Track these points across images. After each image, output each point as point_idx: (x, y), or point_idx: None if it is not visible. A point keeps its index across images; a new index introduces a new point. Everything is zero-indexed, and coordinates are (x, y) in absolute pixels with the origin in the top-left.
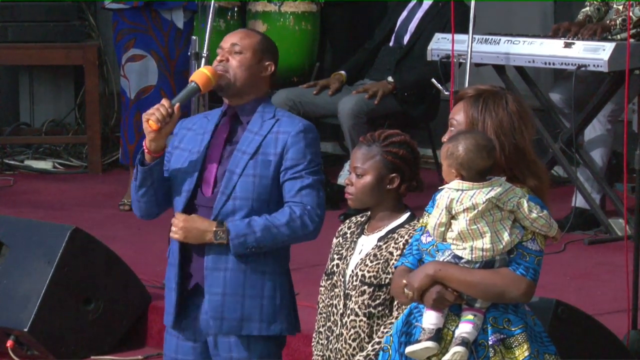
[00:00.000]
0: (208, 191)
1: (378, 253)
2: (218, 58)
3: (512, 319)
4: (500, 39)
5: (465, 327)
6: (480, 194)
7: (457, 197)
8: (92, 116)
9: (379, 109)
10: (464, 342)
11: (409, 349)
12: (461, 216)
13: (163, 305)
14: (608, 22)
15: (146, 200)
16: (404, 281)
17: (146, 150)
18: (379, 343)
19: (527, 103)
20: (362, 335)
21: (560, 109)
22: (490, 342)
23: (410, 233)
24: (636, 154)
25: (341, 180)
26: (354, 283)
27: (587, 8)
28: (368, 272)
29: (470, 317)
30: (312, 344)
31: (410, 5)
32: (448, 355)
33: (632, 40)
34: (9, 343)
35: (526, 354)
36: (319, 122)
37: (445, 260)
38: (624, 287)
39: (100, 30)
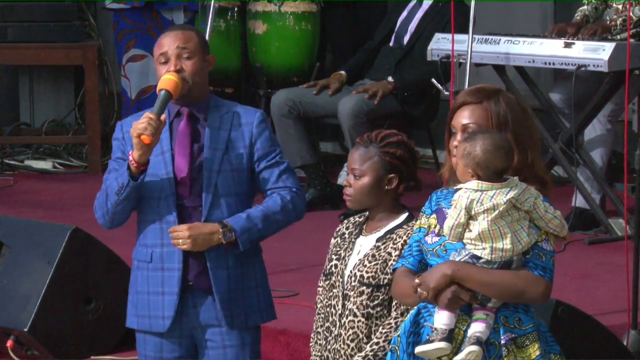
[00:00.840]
0: (185, 191)
1: (376, 253)
2: (171, 68)
3: (522, 318)
4: (500, 39)
5: (478, 327)
6: (500, 195)
7: (477, 198)
8: (92, 116)
9: (379, 109)
10: (478, 342)
11: (420, 348)
12: (481, 217)
13: None
14: (608, 22)
15: (121, 211)
16: (417, 281)
17: (135, 165)
18: (377, 344)
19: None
20: (361, 335)
21: (560, 109)
22: (502, 342)
23: (409, 233)
24: (636, 154)
25: (341, 180)
26: (353, 283)
27: (585, 7)
28: (366, 272)
29: (483, 316)
30: (310, 344)
31: (410, 5)
32: (462, 355)
33: (632, 40)
34: (9, 343)
35: (537, 353)
36: (319, 122)
37: (462, 260)
38: (624, 287)
39: (100, 30)
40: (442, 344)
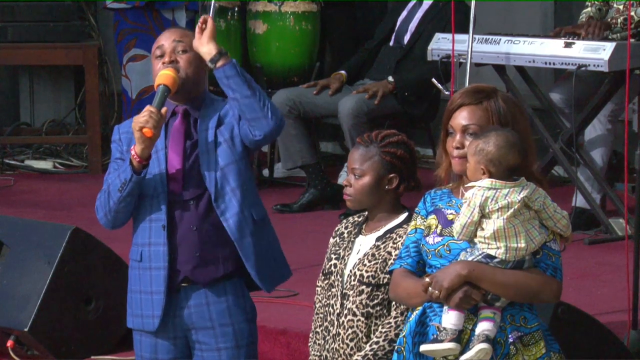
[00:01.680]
0: (177, 187)
1: (376, 253)
2: (166, 59)
3: (528, 317)
4: (500, 39)
5: (486, 325)
6: (514, 193)
7: (492, 196)
8: (92, 116)
9: (379, 109)
10: (487, 339)
11: (427, 347)
12: (495, 215)
13: None
14: (609, 19)
15: (123, 209)
16: (427, 280)
17: (137, 160)
18: (377, 343)
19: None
20: (360, 335)
21: (561, 109)
22: (510, 340)
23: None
24: (636, 154)
25: (341, 180)
26: (352, 283)
27: (589, 9)
28: (366, 272)
29: (490, 315)
30: (309, 344)
31: (410, 5)
32: (472, 353)
33: (632, 40)
34: (9, 343)
35: (543, 351)
36: (319, 122)
37: (474, 259)
38: (624, 287)
39: (101, 30)
40: (452, 345)
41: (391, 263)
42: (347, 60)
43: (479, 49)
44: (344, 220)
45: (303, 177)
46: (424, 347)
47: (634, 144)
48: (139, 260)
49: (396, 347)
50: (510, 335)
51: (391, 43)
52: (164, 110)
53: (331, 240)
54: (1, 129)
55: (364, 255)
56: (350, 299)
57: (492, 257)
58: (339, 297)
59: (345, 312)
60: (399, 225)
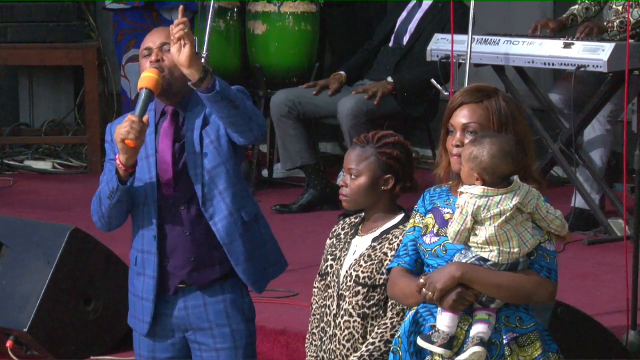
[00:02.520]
0: (169, 190)
1: (372, 254)
2: (152, 58)
3: (523, 317)
4: (499, 40)
5: (480, 327)
6: (507, 200)
7: (484, 204)
8: (91, 116)
9: (379, 110)
10: (481, 342)
11: (421, 343)
12: (487, 222)
13: None
14: (605, 23)
15: (116, 214)
16: (422, 281)
17: (123, 168)
18: (373, 344)
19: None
20: (356, 335)
21: (560, 109)
22: (505, 341)
23: (405, 233)
24: (635, 155)
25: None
26: (348, 283)
27: (576, 6)
28: (362, 272)
29: (485, 316)
30: (306, 345)
31: (410, 5)
32: (466, 355)
33: (631, 40)
34: (9, 343)
35: (539, 351)
36: (318, 123)
37: (468, 261)
38: (624, 287)
39: (100, 30)
40: (441, 350)
41: (387, 264)
42: (346, 60)
43: (478, 50)
44: (341, 222)
45: (302, 177)
46: (420, 341)
47: (633, 145)
48: (134, 264)
49: (392, 348)
50: (505, 336)
51: (390, 44)
52: (145, 117)
53: (328, 241)
54: (0, 129)
55: (360, 256)
56: (347, 299)
57: (485, 260)
58: (335, 298)
59: (342, 312)
60: (395, 226)
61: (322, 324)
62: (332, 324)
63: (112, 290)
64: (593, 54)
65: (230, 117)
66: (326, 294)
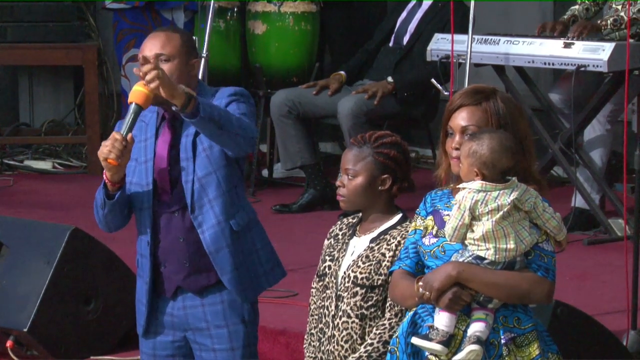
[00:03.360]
0: (166, 197)
1: (370, 254)
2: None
3: (522, 318)
4: (499, 39)
5: (478, 326)
6: (504, 196)
7: (482, 199)
8: (91, 116)
9: (379, 110)
10: (478, 341)
11: (416, 341)
12: (485, 217)
13: None
14: (599, 21)
15: (112, 220)
16: (420, 282)
17: (110, 183)
18: (371, 345)
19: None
20: (355, 336)
21: (560, 109)
22: (502, 341)
23: (403, 234)
24: (636, 155)
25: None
26: (346, 284)
27: (576, 7)
28: (360, 273)
29: (483, 316)
30: (304, 345)
31: (410, 5)
32: (463, 354)
33: (631, 40)
34: (9, 343)
35: (537, 352)
36: (318, 123)
37: (465, 261)
38: (624, 287)
39: (100, 30)
40: (439, 347)
41: (385, 264)
42: (346, 60)
43: (478, 50)
44: (339, 222)
45: (302, 177)
46: (414, 339)
47: (633, 145)
48: (137, 266)
49: (390, 348)
50: (503, 337)
51: (391, 44)
52: (129, 136)
53: (325, 241)
54: (0, 129)
55: (358, 256)
56: (345, 300)
57: (482, 259)
58: (334, 299)
59: (340, 313)
60: (393, 227)
61: (320, 325)
62: (331, 324)
63: (112, 290)
64: (593, 54)
65: (214, 136)
66: (324, 294)
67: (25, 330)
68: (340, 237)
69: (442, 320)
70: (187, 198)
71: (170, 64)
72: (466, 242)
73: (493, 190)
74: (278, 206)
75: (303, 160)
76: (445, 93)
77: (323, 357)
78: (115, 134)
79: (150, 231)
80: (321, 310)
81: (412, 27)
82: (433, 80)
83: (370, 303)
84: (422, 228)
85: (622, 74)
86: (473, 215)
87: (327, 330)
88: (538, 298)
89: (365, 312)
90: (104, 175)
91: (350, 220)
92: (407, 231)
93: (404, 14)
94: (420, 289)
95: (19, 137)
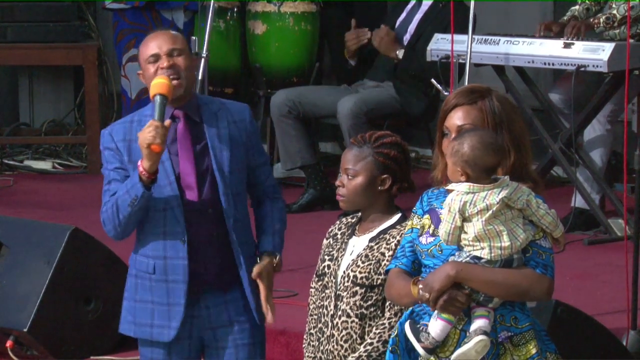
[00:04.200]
0: (193, 195)
1: (370, 254)
2: (164, 65)
3: (519, 317)
4: (499, 40)
5: (481, 322)
6: (493, 195)
7: (470, 200)
8: (91, 116)
9: (378, 110)
10: (485, 333)
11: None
12: (475, 218)
13: None
14: (592, 20)
15: (134, 222)
16: (420, 285)
17: (146, 175)
18: (371, 344)
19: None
20: (354, 336)
21: (560, 109)
22: (499, 340)
23: (402, 234)
24: (636, 155)
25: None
26: (346, 284)
27: (576, 7)
28: (360, 272)
29: (485, 312)
30: (303, 345)
31: (409, 6)
32: (470, 344)
33: (631, 40)
34: (9, 343)
35: (534, 351)
36: (318, 123)
37: (463, 261)
38: (624, 288)
39: (100, 30)
40: (421, 351)
41: (385, 264)
42: (346, 61)
43: (478, 50)
44: (338, 222)
45: (302, 177)
46: (407, 327)
47: (633, 145)
48: (151, 272)
49: (390, 347)
50: (500, 335)
51: None
52: (167, 122)
53: (324, 241)
54: (1, 129)
55: (358, 256)
56: (344, 300)
57: (479, 258)
58: (333, 299)
59: (339, 313)
60: (393, 226)
61: (319, 325)
62: (330, 324)
63: (112, 290)
64: (593, 54)
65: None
66: (324, 294)
67: (25, 330)
68: (339, 236)
69: (436, 327)
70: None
71: (182, 57)
72: (461, 243)
73: (481, 191)
74: None
75: (303, 160)
76: (446, 93)
77: (322, 356)
78: (154, 121)
79: (185, 230)
80: (320, 310)
81: (412, 27)
82: (433, 80)
83: (369, 302)
84: (418, 227)
85: (622, 74)
86: (464, 217)
87: (326, 329)
88: (537, 295)
89: (365, 311)
90: (140, 167)
91: (350, 219)
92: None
93: (403, 15)
94: (421, 291)
95: (19, 137)
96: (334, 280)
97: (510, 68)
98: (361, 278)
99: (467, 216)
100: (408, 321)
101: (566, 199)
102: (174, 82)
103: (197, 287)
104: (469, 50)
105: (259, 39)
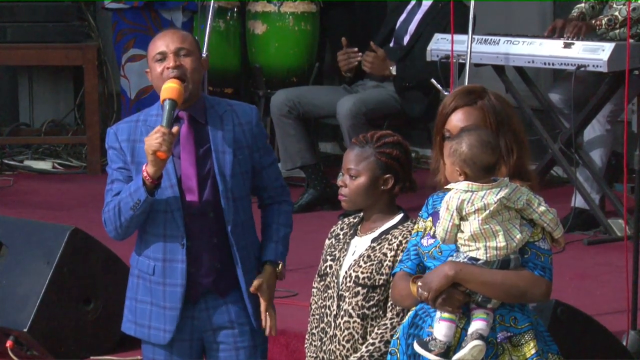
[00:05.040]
0: (194, 198)
1: (372, 254)
2: (171, 64)
3: (518, 317)
4: (499, 40)
5: (479, 324)
6: (491, 195)
7: (468, 199)
8: (91, 116)
9: (378, 110)
10: (481, 337)
11: (418, 348)
12: (472, 217)
13: None
14: (593, 21)
15: (135, 224)
16: (419, 283)
17: (150, 180)
18: (373, 344)
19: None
20: (356, 336)
21: (560, 109)
22: (498, 340)
23: (404, 234)
24: (635, 155)
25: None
26: (348, 284)
27: (582, 5)
28: (362, 273)
29: (484, 315)
30: (305, 345)
31: (410, 6)
32: (466, 350)
33: (631, 40)
34: (9, 343)
35: (533, 351)
36: (318, 123)
37: (461, 261)
38: (624, 288)
39: (100, 30)
40: (437, 359)
41: (387, 264)
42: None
43: (479, 50)
44: (340, 222)
45: (302, 177)
46: (416, 345)
47: (633, 145)
48: (150, 273)
49: (390, 349)
50: (498, 335)
51: (391, 44)
52: (175, 129)
53: (326, 241)
54: (0, 129)
55: (360, 256)
56: (346, 300)
57: (476, 259)
58: (335, 299)
59: (342, 313)
60: (395, 226)
61: (322, 325)
62: (332, 324)
63: (111, 290)
64: (593, 54)
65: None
66: (326, 294)
67: (25, 330)
68: (341, 236)
69: (441, 329)
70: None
71: (190, 58)
72: (458, 243)
73: (479, 190)
74: None
75: (303, 161)
76: (446, 93)
77: (324, 356)
78: (161, 127)
79: (185, 233)
80: (322, 310)
81: (412, 27)
82: (433, 81)
83: (371, 303)
84: (422, 230)
85: (622, 74)
86: (461, 215)
87: (328, 329)
88: (535, 297)
89: (367, 311)
90: (144, 172)
91: (352, 220)
92: (409, 231)
93: (403, 15)
94: (420, 289)
95: (19, 137)
96: (336, 281)
97: (510, 68)
98: (363, 278)
99: (464, 214)
100: (415, 341)
101: (566, 199)
102: (178, 78)
103: (196, 290)
104: (469, 51)
105: (259, 39)
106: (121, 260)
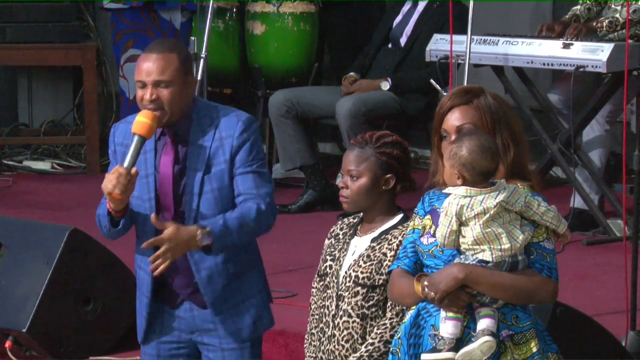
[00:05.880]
0: (169, 215)
1: (371, 254)
2: (147, 97)
3: (520, 316)
4: (498, 40)
5: (488, 322)
6: (490, 199)
7: (467, 204)
8: (90, 117)
9: (377, 110)
10: (492, 334)
11: (427, 356)
12: (472, 222)
13: None
14: (594, 23)
15: (117, 235)
16: (425, 282)
17: (113, 213)
18: (372, 344)
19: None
20: (355, 336)
21: (559, 110)
22: (500, 338)
23: (404, 234)
24: (635, 155)
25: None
26: (348, 284)
27: (578, 7)
28: (362, 273)
29: (491, 312)
30: (305, 345)
31: (406, 8)
32: (475, 345)
33: (630, 41)
34: (8, 344)
35: (534, 350)
36: (317, 123)
37: (471, 263)
38: (623, 288)
39: (99, 30)
40: (450, 354)
41: (386, 264)
42: (345, 61)
43: (477, 50)
44: (339, 222)
45: (302, 178)
46: (424, 356)
47: (632, 145)
48: (136, 277)
49: (391, 349)
50: (501, 333)
51: (389, 45)
52: (133, 170)
53: (326, 241)
54: None
55: (359, 256)
56: (346, 300)
57: (485, 262)
58: (335, 299)
59: (341, 313)
60: (394, 227)
61: (321, 325)
62: (331, 324)
63: (111, 290)
64: (592, 54)
65: (236, 247)
66: (325, 294)
67: (24, 330)
68: (341, 236)
69: (447, 328)
70: (192, 212)
71: (169, 89)
72: (461, 248)
73: (478, 195)
74: (277, 207)
75: (302, 161)
76: (444, 93)
77: (324, 356)
78: (119, 167)
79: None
80: (322, 310)
81: (408, 29)
82: (432, 81)
83: (371, 303)
84: (420, 227)
85: (621, 74)
86: (460, 221)
87: (327, 329)
88: (544, 298)
89: (367, 311)
90: (107, 205)
91: (351, 220)
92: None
93: (399, 17)
94: (426, 289)
95: (18, 137)
96: (335, 281)
97: (509, 68)
98: (363, 278)
99: (464, 220)
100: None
101: (565, 200)
102: (156, 113)
103: (176, 297)
104: (467, 51)
105: (258, 39)
106: (120, 260)
